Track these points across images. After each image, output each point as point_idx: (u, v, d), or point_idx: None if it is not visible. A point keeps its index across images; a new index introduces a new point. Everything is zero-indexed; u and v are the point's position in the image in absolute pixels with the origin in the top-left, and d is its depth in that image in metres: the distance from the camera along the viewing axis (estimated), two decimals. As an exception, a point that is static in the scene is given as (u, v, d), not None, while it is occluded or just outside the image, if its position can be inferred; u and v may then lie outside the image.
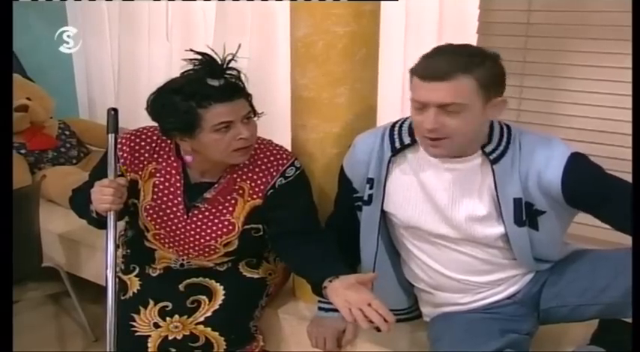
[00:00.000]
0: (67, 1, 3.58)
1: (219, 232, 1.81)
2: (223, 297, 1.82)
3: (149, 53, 3.29)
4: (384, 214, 1.66)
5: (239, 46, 1.72)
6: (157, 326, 1.79)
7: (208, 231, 1.81)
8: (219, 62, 1.66)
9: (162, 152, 1.82)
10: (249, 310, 1.86)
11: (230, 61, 1.67)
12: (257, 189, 1.78)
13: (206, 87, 1.62)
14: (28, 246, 2.27)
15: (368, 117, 1.85)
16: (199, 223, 1.81)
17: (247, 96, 1.71)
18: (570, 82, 2.29)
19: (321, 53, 1.74)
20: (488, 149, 1.49)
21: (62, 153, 3.06)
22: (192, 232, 1.82)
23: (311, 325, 1.85)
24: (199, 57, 1.66)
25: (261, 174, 1.78)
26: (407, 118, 1.60)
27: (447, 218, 1.56)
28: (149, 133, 1.82)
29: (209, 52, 1.67)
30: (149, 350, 1.75)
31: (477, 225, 1.54)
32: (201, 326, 1.77)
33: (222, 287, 1.84)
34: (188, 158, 1.77)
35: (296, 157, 1.83)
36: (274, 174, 1.78)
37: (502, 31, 2.40)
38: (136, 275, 1.91)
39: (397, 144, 1.59)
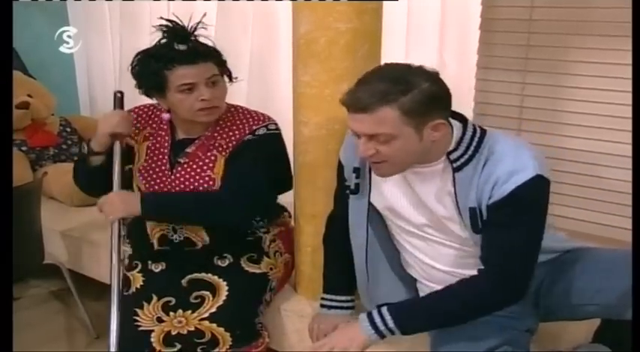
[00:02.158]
0: (69, 0, 3.59)
1: (200, 188, 1.85)
2: (227, 293, 1.83)
3: (150, 49, 3.29)
4: (373, 206, 1.67)
5: (204, 14, 1.87)
6: (160, 320, 1.80)
7: (191, 186, 1.86)
8: (186, 29, 1.81)
9: (156, 118, 1.96)
10: (253, 305, 1.87)
11: (195, 28, 1.82)
12: (230, 145, 1.86)
13: (172, 51, 1.78)
14: (30, 243, 2.27)
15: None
16: (182, 179, 1.86)
17: (218, 61, 1.83)
18: (573, 79, 2.29)
19: (323, 50, 1.74)
20: (453, 156, 1.47)
21: (63, 150, 3.06)
22: (177, 188, 1.87)
23: (312, 321, 1.84)
24: (168, 24, 1.81)
25: (237, 131, 1.88)
26: None
27: (424, 211, 1.56)
28: (148, 106, 1.99)
29: (176, 19, 1.84)
30: (153, 344, 1.75)
31: (448, 223, 1.54)
32: (206, 322, 1.78)
33: (225, 283, 1.85)
34: (166, 115, 1.90)
35: (274, 122, 1.92)
36: (246, 131, 1.86)
37: (504, 27, 2.40)
38: (138, 271, 1.92)
39: None
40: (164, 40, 1.82)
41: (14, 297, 2.60)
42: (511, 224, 1.44)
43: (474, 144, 1.47)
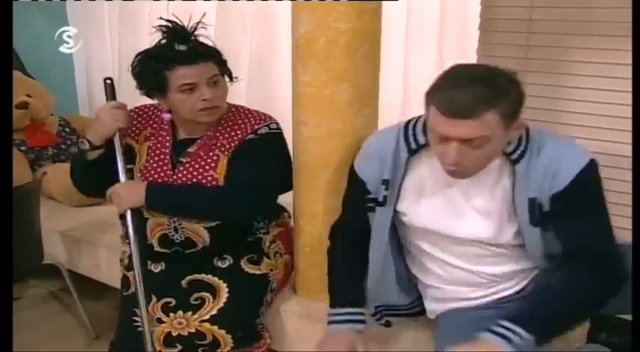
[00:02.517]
0: (68, 0, 3.58)
1: None
2: (227, 295, 1.83)
3: (149, 49, 3.29)
4: (395, 213, 1.65)
5: (203, 14, 1.87)
6: (160, 321, 1.80)
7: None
8: (186, 29, 1.81)
9: (156, 118, 1.95)
10: (254, 307, 1.87)
11: (196, 27, 1.82)
12: (232, 145, 1.86)
13: (173, 51, 1.78)
14: (29, 243, 2.27)
15: (370, 114, 1.84)
16: (184, 179, 1.86)
17: (218, 61, 1.84)
18: (572, 79, 2.28)
19: (323, 50, 1.73)
20: (508, 149, 1.48)
21: (63, 150, 3.06)
22: None
23: (320, 345, 1.65)
24: (168, 24, 1.81)
25: (238, 131, 1.89)
26: (419, 117, 1.58)
27: (459, 218, 1.55)
28: (148, 106, 1.99)
29: (176, 20, 1.84)
30: (153, 345, 1.75)
31: (491, 225, 1.53)
32: (207, 324, 1.78)
33: (225, 284, 1.85)
34: (167, 116, 1.90)
35: (275, 121, 1.93)
36: (249, 131, 1.87)
37: (504, 27, 2.39)
38: (138, 272, 1.91)
39: (413, 145, 1.56)
40: (164, 41, 1.82)
41: (14, 297, 2.60)
42: (587, 209, 1.45)
43: (524, 136, 1.48)
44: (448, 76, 1.40)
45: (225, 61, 1.87)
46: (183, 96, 1.78)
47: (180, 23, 1.82)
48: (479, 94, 1.32)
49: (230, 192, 1.83)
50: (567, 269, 1.47)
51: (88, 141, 1.83)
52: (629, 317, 1.56)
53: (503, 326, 1.40)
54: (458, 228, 1.56)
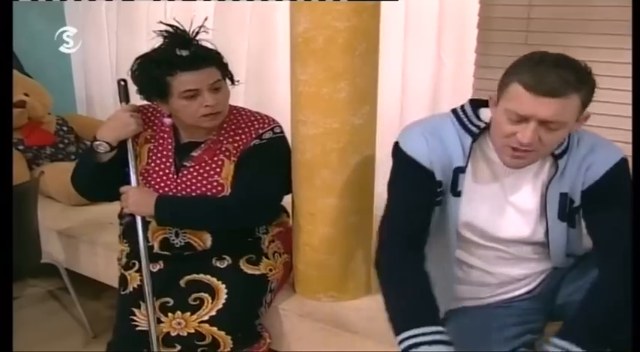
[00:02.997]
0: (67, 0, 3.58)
1: (208, 193, 1.85)
2: (226, 296, 1.82)
3: (147, 49, 3.27)
4: None
5: (205, 18, 1.85)
6: (158, 321, 1.79)
7: (198, 191, 1.85)
8: (187, 34, 1.79)
9: (157, 121, 1.93)
10: (253, 307, 1.86)
11: (197, 32, 1.80)
12: (238, 150, 1.86)
13: (174, 56, 1.75)
14: (27, 242, 2.26)
15: (368, 113, 1.84)
16: (188, 183, 1.85)
17: (220, 65, 1.82)
18: (571, 77, 2.28)
19: (322, 48, 1.73)
20: None
21: (60, 149, 3.05)
22: (183, 192, 1.86)
23: None
24: (169, 29, 1.79)
25: (243, 136, 1.88)
26: (462, 106, 1.55)
27: (500, 215, 1.54)
28: (147, 107, 1.95)
29: (177, 24, 1.81)
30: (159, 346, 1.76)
31: (525, 221, 1.53)
32: (206, 325, 1.77)
33: (224, 285, 1.84)
34: (168, 120, 1.89)
35: (278, 124, 1.92)
36: (253, 136, 1.86)
37: (502, 25, 2.39)
38: (136, 271, 1.91)
39: (474, 129, 1.49)
40: (165, 45, 1.79)
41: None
42: (618, 205, 1.44)
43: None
44: (534, 58, 1.38)
45: (226, 65, 1.85)
46: (185, 102, 1.76)
47: (181, 28, 1.80)
48: (568, 77, 1.31)
49: (239, 203, 1.83)
50: (604, 270, 1.45)
51: (107, 143, 1.83)
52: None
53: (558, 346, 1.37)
54: (498, 225, 1.54)
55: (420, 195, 1.50)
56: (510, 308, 1.61)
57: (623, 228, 1.43)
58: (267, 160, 1.86)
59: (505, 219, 1.54)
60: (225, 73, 1.85)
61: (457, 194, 1.51)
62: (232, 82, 1.88)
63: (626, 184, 1.47)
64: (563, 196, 1.48)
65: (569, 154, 1.48)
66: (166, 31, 1.79)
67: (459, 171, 1.49)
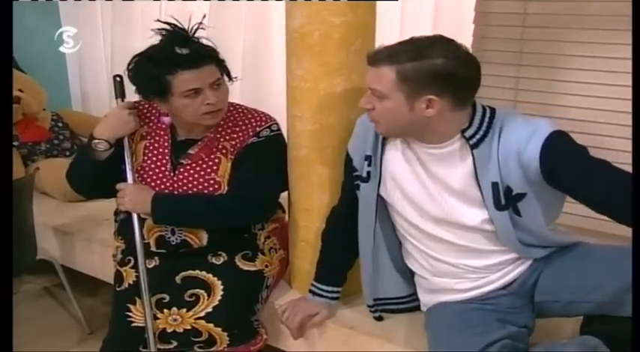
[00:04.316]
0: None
1: (204, 191, 1.84)
2: (222, 292, 1.81)
3: (142, 45, 3.26)
4: (381, 198, 1.66)
5: (204, 15, 1.86)
6: (154, 317, 1.78)
7: (194, 189, 1.85)
8: (187, 31, 1.77)
9: (153, 117, 1.91)
10: (249, 304, 1.86)
11: (196, 30, 1.78)
12: (235, 148, 1.85)
13: (174, 54, 1.72)
14: (23, 238, 2.26)
15: (364, 109, 1.83)
16: (185, 181, 1.85)
17: (218, 63, 1.81)
18: (567, 73, 2.28)
19: (317, 43, 1.73)
20: (468, 133, 1.49)
21: (55, 146, 3.04)
22: (179, 190, 1.85)
23: (292, 301, 1.90)
24: (167, 27, 1.77)
25: (240, 134, 1.87)
26: None
27: (433, 199, 1.56)
28: (143, 103, 1.93)
29: (175, 22, 1.79)
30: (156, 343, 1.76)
31: (462, 207, 1.54)
32: (202, 322, 1.77)
33: (219, 281, 1.84)
34: (166, 119, 1.88)
35: (275, 122, 1.92)
36: (250, 133, 1.86)
37: (498, 21, 2.39)
38: (131, 267, 1.91)
39: None
40: (163, 43, 1.77)
41: (7, 293, 2.59)
42: (579, 162, 1.42)
43: (486, 120, 1.49)
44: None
45: (224, 61, 1.84)
46: (187, 101, 1.74)
47: (180, 25, 1.78)
48: (390, 50, 1.46)
49: (238, 201, 1.82)
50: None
51: (106, 141, 1.82)
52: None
53: None
54: (432, 208, 1.58)
55: (348, 180, 1.74)
56: (488, 303, 1.62)
57: (590, 170, 1.42)
58: (265, 158, 1.86)
59: (435, 201, 1.56)
60: (223, 69, 1.84)
61: (364, 180, 1.66)
62: (230, 78, 1.87)
63: (565, 146, 1.43)
64: (495, 185, 1.48)
65: (491, 144, 1.47)
66: (165, 29, 1.77)
67: (368, 158, 1.65)
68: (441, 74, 1.40)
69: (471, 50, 2.41)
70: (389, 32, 2.52)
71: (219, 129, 1.87)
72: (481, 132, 1.48)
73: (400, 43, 1.47)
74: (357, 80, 1.78)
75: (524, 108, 2.39)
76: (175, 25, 1.78)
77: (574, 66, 2.26)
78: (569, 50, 2.26)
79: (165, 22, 1.79)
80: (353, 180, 1.70)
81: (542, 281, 1.62)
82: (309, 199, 1.89)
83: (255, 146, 1.85)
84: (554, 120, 2.21)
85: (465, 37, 2.47)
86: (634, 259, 1.33)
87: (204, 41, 1.82)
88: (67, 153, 3.03)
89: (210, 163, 1.85)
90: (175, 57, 1.72)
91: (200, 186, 1.84)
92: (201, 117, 1.78)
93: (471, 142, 1.48)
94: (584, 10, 2.21)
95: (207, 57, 1.77)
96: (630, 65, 1.75)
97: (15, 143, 2.91)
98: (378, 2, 1.79)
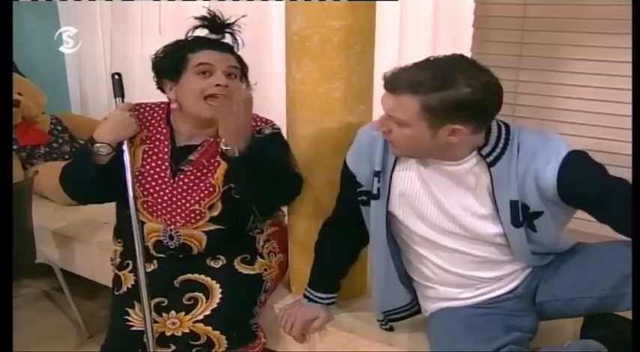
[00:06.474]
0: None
1: (202, 195, 1.83)
2: (221, 295, 1.81)
3: (142, 48, 3.27)
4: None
5: (242, 16, 1.93)
6: (153, 321, 1.78)
7: (193, 194, 1.83)
8: (223, 21, 1.88)
9: (153, 121, 1.90)
10: (248, 307, 1.85)
11: (233, 23, 1.89)
12: None
13: (202, 38, 1.83)
14: (22, 242, 2.26)
15: (364, 112, 1.84)
16: (185, 187, 1.83)
17: (241, 62, 1.87)
18: (566, 76, 2.29)
19: (317, 47, 1.73)
20: (484, 151, 1.47)
21: (55, 149, 3.04)
22: (179, 196, 1.84)
23: (287, 307, 1.89)
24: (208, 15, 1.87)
25: None
26: None
27: (447, 213, 1.55)
28: (144, 106, 1.93)
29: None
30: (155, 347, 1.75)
31: (476, 222, 1.53)
32: (201, 325, 1.76)
33: (218, 285, 1.83)
34: (174, 105, 1.85)
35: (276, 125, 1.92)
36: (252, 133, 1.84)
37: (498, 24, 2.40)
38: (130, 271, 1.90)
39: None
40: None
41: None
42: (593, 184, 1.42)
43: (503, 137, 1.47)
44: (421, 61, 1.44)
45: (246, 67, 1.90)
46: (196, 77, 1.77)
47: (220, 16, 1.88)
48: (412, 78, 1.38)
49: (296, 175, 1.84)
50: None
51: (110, 145, 1.76)
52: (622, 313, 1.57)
53: None
54: (445, 222, 1.56)
55: (347, 194, 1.71)
56: (494, 307, 1.62)
57: (608, 191, 1.42)
58: (278, 147, 1.86)
59: (449, 215, 1.55)
60: (243, 72, 1.88)
61: (375, 197, 1.62)
62: (247, 83, 1.90)
63: (582, 169, 1.43)
64: (514, 204, 1.46)
65: (509, 161, 1.45)
66: (204, 16, 1.86)
67: (377, 175, 1.60)
68: (467, 105, 1.36)
69: (470, 53, 2.45)
70: (388, 36, 2.53)
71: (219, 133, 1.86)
72: (498, 150, 1.47)
73: (420, 68, 1.39)
74: (357, 84, 1.78)
75: (524, 111, 2.40)
76: (215, 14, 1.87)
77: (573, 69, 2.26)
78: (568, 54, 2.27)
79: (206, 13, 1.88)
80: (356, 195, 1.67)
81: (543, 281, 1.63)
82: (309, 203, 1.89)
83: (262, 138, 1.83)
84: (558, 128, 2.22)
85: (464, 41, 2.47)
86: (634, 259, 1.33)
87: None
88: (67, 157, 3.03)
89: (210, 168, 1.84)
90: (202, 39, 1.82)
91: (198, 191, 1.83)
92: (204, 105, 1.76)
93: (488, 160, 1.47)
94: (583, 14, 2.21)
95: (230, 46, 1.86)
96: (630, 69, 1.76)
97: (14, 146, 2.91)
98: (377, 6, 1.79)
